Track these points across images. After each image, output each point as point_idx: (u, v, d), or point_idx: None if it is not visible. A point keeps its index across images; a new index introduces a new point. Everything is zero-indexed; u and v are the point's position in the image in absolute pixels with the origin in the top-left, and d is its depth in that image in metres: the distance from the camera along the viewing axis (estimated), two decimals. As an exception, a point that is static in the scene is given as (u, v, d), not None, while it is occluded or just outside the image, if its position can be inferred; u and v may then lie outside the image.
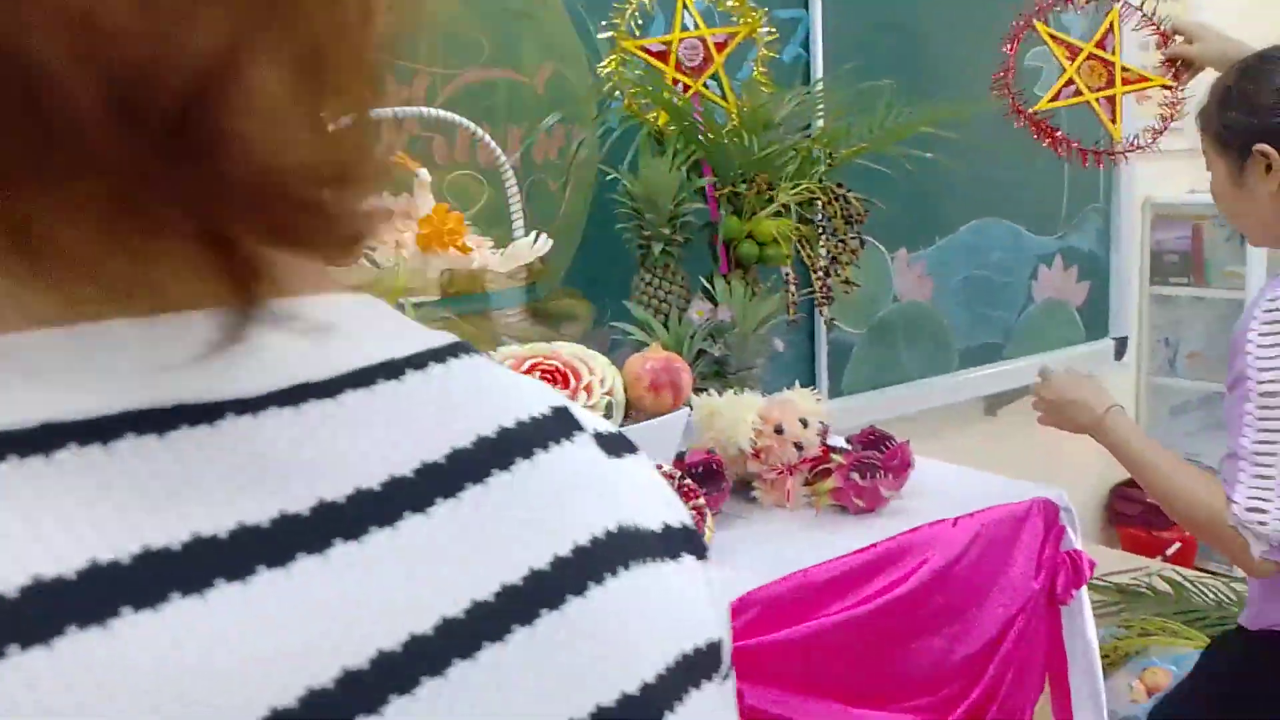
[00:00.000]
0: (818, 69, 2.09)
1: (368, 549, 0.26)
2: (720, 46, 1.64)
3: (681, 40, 1.62)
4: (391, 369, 0.30)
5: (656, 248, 1.60)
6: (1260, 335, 1.23)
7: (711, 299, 1.62)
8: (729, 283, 1.63)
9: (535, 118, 1.79)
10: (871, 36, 2.20)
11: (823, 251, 1.67)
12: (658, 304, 1.62)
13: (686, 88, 1.63)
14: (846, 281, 1.71)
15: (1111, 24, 1.63)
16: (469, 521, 0.29)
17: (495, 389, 0.33)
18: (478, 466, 0.30)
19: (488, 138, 1.50)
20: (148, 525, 0.23)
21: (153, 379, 0.25)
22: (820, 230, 1.67)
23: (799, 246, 1.67)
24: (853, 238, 1.69)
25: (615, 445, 0.36)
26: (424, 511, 0.28)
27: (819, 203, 1.65)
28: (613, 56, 1.60)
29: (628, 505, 0.34)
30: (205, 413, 0.25)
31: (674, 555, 0.35)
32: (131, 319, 0.25)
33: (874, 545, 1.17)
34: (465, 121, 1.48)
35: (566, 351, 1.21)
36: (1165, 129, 1.62)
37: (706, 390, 1.53)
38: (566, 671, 0.29)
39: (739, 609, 1.06)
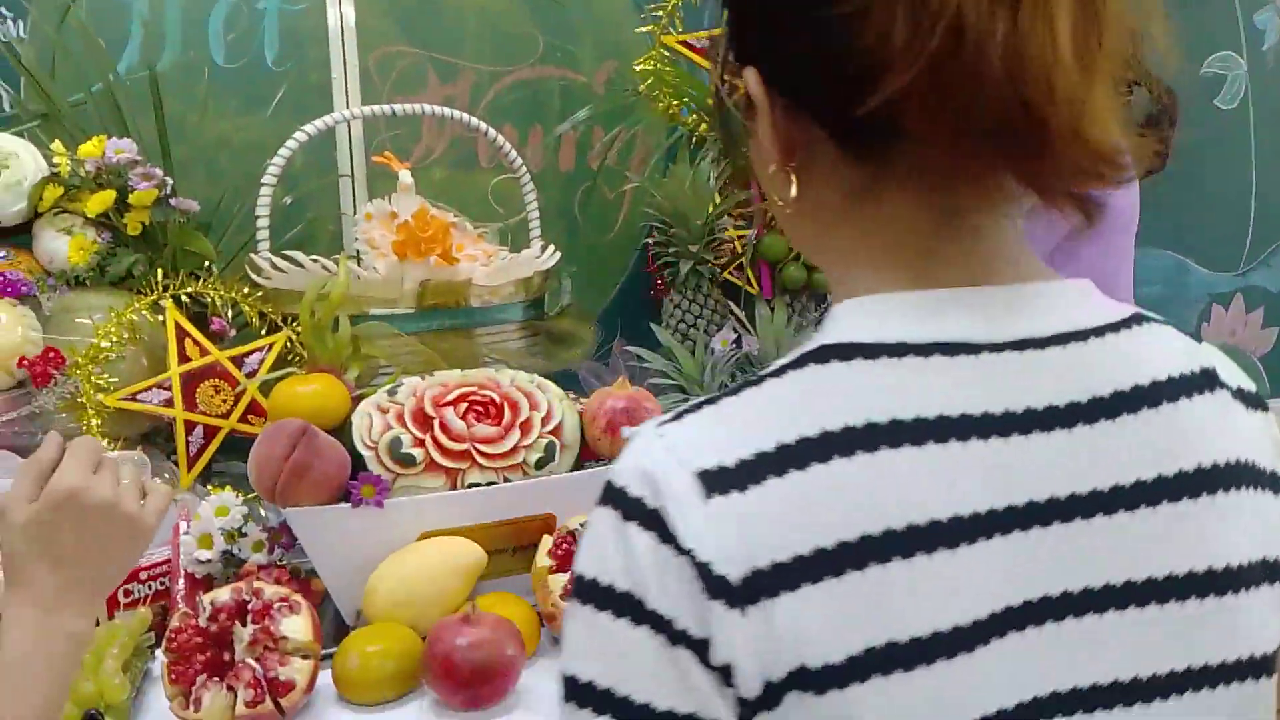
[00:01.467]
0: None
1: (1080, 432, 0.43)
2: (777, 42, 1.44)
3: (730, 35, 1.44)
4: (1088, 334, 0.45)
5: (684, 266, 1.43)
6: None
7: (748, 327, 1.43)
8: (772, 309, 1.44)
9: (593, 119, 1.66)
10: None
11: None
12: (685, 329, 1.45)
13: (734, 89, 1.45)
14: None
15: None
16: (1122, 436, 0.44)
17: (1153, 350, 0.46)
18: (1132, 402, 0.44)
19: (500, 139, 1.38)
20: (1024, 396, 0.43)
21: (988, 323, 0.43)
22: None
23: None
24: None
25: (1251, 401, 0.49)
26: (1110, 420, 0.44)
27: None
28: (651, 53, 1.44)
29: (1246, 446, 0.46)
30: (1025, 344, 0.44)
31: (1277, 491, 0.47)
32: (949, 289, 0.44)
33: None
34: (474, 120, 1.36)
35: (510, 381, 1.06)
36: None
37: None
38: (1175, 538, 0.43)
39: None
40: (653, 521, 0.39)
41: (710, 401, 0.43)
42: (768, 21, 0.45)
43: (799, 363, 0.43)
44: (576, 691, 0.40)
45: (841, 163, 0.45)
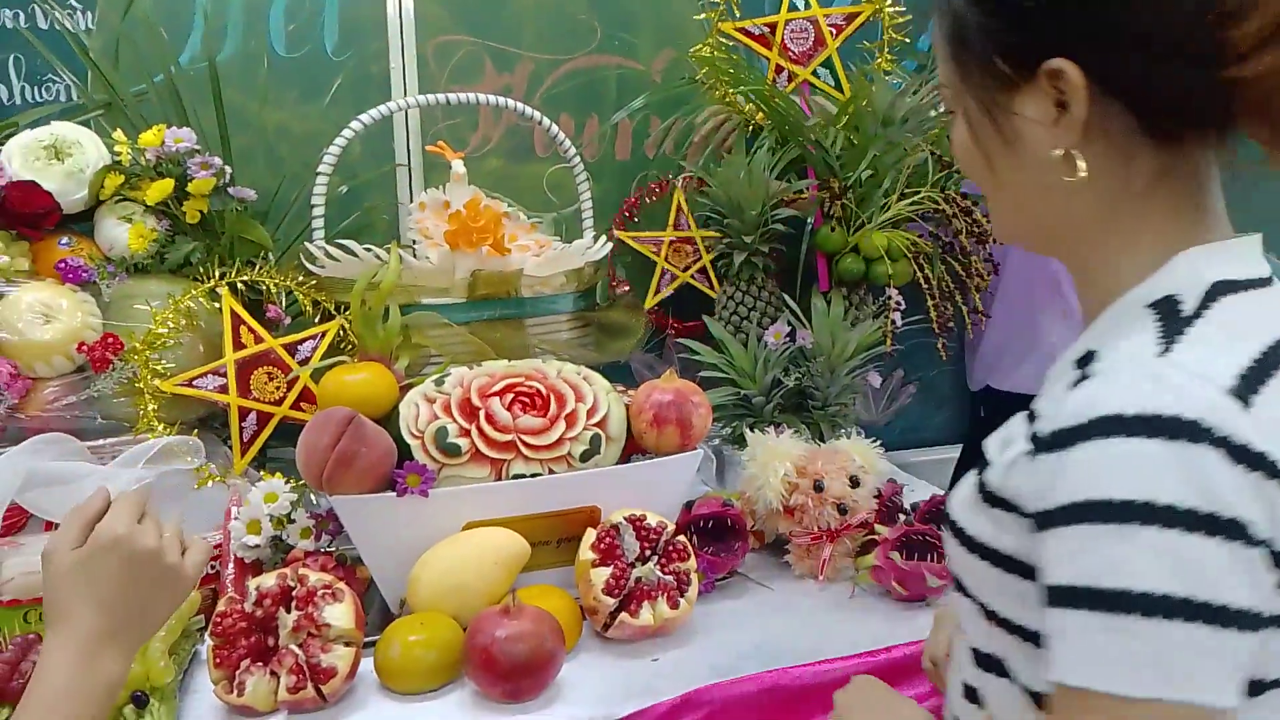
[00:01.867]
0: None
1: None
2: (837, 29, 1.41)
3: (789, 22, 1.41)
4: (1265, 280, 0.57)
5: (738, 258, 1.40)
6: None
7: (802, 320, 1.40)
8: (828, 303, 1.40)
9: (649, 108, 1.64)
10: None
11: (944, 272, 1.40)
12: (739, 322, 1.43)
13: (793, 76, 1.42)
14: (976, 310, 1.43)
15: (679, 203, 1.54)
16: None
17: None
18: None
19: (555, 129, 1.37)
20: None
21: (1261, 264, 0.56)
22: (943, 248, 1.40)
23: (919, 266, 1.41)
24: (984, 259, 1.41)
25: None
26: None
27: (944, 216, 1.39)
28: (708, 40, 1.41)
29: None
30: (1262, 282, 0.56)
31: None
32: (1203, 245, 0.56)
33: (888, 650, 0.93)
34: (529, 109, 1.36)
35: (557, 373, 1.06)
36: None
37: (779, 426, 1.32)
38: None
39: (679, 709, 0.86)
40: (1218, 440, 0.46)
41: (1175, 330, 0.51)
42: (1116, 20, 0.52)
43: (1210, 297, 0.53)
44: (1154, 605, 0.46)
45: (1148, 147, 0.54)
